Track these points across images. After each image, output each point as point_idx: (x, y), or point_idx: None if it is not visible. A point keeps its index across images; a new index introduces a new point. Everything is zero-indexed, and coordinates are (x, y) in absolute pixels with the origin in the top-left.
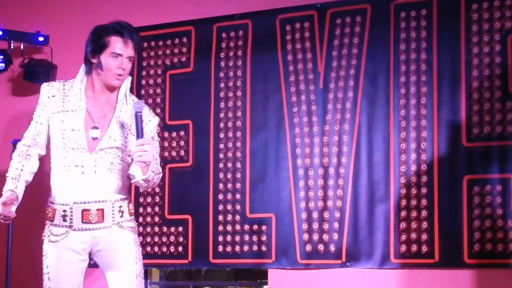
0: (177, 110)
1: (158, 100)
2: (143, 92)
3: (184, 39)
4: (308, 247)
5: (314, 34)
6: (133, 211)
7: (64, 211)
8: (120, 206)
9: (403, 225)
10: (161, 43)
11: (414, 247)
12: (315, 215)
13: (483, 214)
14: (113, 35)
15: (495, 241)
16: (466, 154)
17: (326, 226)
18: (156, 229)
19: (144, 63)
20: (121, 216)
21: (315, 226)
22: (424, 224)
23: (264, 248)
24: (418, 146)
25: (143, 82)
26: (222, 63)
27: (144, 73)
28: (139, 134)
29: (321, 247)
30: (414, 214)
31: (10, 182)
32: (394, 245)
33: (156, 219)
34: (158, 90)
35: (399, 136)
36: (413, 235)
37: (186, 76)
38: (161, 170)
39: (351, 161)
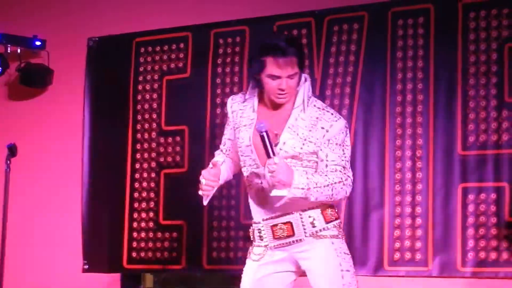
0: (173, 115)
1: (155, 105)
2: (139, 97)
3: (181, 45)
4: None
5: (312, 40)
6: (332, 217)
7: (259, 230)
8: (310, 216)
9: (397, 232)
10: (158, 48)
11: (408, 255)
12: None
13: (478, 222)
14: (269, 56)
15: (489, 249)
16: (461, 162)
17: None
18: (151, 234)
19: (141, 69)
20: (314, 226)
21: None
22: (418, 232)
23: None
24: (413, 154)
25: (140, 87)
26: (219, 69)
27: (141, 78)
28: (268, 154)
29: None
30: (408, 221)
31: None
32: (388, 253)
33: (151, 224)
34: (155, 96)
35: (395, 143)
36: (407, 243)
37: (183, 82)
38: (337, 180)
39: None
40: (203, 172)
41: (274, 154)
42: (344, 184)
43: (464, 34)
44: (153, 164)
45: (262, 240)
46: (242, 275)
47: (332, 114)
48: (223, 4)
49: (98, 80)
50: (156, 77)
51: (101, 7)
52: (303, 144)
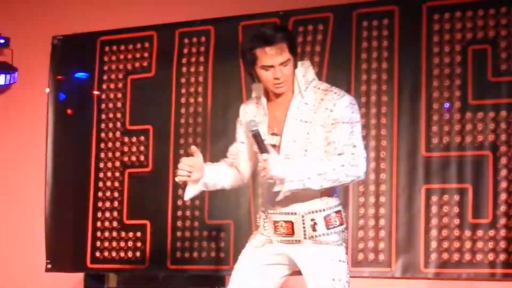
0: (138, 115)
1: (119, 104)
2: (103, 96)
3: (146, 44)
4: None
5: None
6: (336, 222)
7: (264, 219)
8: (312, 219)
9: (361, 233)
10: (123, 47)
11: (371, 256)
12: None
13: (441, 223)
14: (258, 47)
15: (452, 251)
16: (425, 164)
17: None
18: (114, 234)
19: (106, 68)
20: (314, 230)
21: None
22: (382, 233)
23: (222, 255)
24: (377, 155)
25: (104, 86)
26: (184, 69)
27: (105, 77)
28: (261, 151)
29: None
30: (372, 222)
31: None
32: (352, 254)
33: (115, 224)
34: (119, 95)
35: None
36: (371, 244)
37: (148, 81)
38: (342, 163)
39: None
40: (182, 158)
41: (264, 151)
42: (352, 165)
43: (428, 36)
44: (117, 164)
45: (265, 230)
46: (239, 257)
47: (335, 93)
48: (188, 4)
49: (62, 79)
50: (120, 76)
51: (65, 5)
52: (310, 128)
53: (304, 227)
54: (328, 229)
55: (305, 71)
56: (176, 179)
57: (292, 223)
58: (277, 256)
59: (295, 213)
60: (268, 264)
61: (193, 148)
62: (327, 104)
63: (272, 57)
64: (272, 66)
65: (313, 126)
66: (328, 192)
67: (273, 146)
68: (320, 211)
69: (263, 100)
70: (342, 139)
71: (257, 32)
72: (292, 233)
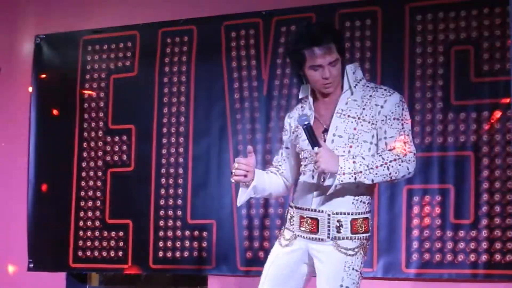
0: (120, 114)
1: (101, 104)
2: (86, 95)
3: (129, 44)
4: (249, 254)
5: (259, 41)
6: (361, 228)
7: (291, 214)
8: (339, 220)
9: None
10: (105, 47)
11: None
12: (256, 222)
13: (422, 224)
14: (306, 47)
15: (433, 251)
16: None
17: (267, 233)
18: (97, 233)
19: (88, 67)
20: (338, 232)
21: (256, 233)
22: None
23: (204, 254)
24: None
25: (87, 85)
26: (166, 68)
27: (88, 76)
28: (312, 145)
29: (261, 254)
30: None
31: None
32: None
33: (97, 223)
34: (102, 94)
35: None
36: None
37: (130, 81)
38: (392, 159)
39: None
40: (237, 158)
41: (316, 144)
42: (402, 161)
43: (411, 36)
44: (100, 163)
45: (291, 225)
46: (268, 257)
47: (385, 89)
48: (171, 3)
49: (45, 78)
50: (103, 75)
51: (48, 5)
52: (357, 124)
53: (329, 227)
54: (352, 233)
55: (355, 69)
56: (232, 179)
57: (317, 220)
58: (303, 253)
59: (323, 211)
60: (296, 261)
61: (250, 148)
62: (378, 100)
63: (321, 57)
64: (320, 66)
65: (361, 122)
66: (362, 198)
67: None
68: (348, 214)
69: (310, 99)
70: (393, 135)
71: (304, 32)
72: (316, 230)
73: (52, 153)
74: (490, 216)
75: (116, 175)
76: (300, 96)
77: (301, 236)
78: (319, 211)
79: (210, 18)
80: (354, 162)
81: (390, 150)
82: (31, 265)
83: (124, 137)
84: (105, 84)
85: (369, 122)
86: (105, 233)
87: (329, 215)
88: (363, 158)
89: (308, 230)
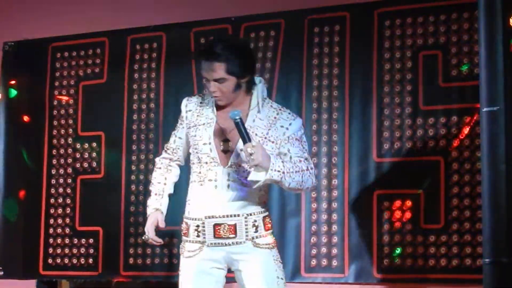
0: (90, 121)
1: (71, 111)
2: (55, 102)
3: (98, 50)
4: None
5: None
6: (270, 225)
7: (197, 226)
8: (255, 221)
9: (313, 239)
10: (74, 53)
11: (324, 261)
12: None
13: (393, 229)
14: (201, 58)
15: (404, 256)
16: (377, 169)
17: None
18: (67, 240)
19: (57, 74)
20: (256, 231)
21: None
22: (335, 239)
23: (175, 261)
24: (329, 161)
25: (56, 92)
26: (136, 75)
27: (57, 83)
28: (244, 141)
29: None
30: (324, 228)
31: (154, 199)
32: (305, 259)
33: (67, 230)
34: (71, 101)
35: (311, 150)
36: (324, 249)
37: (99, 88)
38: (304, 168)
39: None
40: (150, 232)
41: (248, 139)
42: (310, 173)
43: (379, 42)
44: (69, 170)
45: (198, 236)
46: (180, 273)
47: (289, 113)
48: (140, 10)
49: (14, 85)
50: (72, 82)
51: (17, 11)
52: (263, 143)
53: (247, 229)
54: (266, 231)
55: (262, 87)
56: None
57: (235, 225)
58: (216, 261)
59: (239, 215)
60: (209, 269)
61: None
62: (283, 122)
63: (207, 72)
64: (207, 80)
65: (266, 142)
66: (262, 198)
67: (225, 152)
68: (259, 213)
69: (213, 104)
70: (297, 152)
71: (205, 45)
72: (235, 234)
73: (21, 160)
74: (460, 220)
75: (86, 182)
76: (205, 97)
77: (214, 244)
78: (235, 216)
79: (179, 25)
80: (282, 162)
81: (298, 162)
82: (1, 273)
83: (94, 144)
84: (74, 91)
85: (273, 142)
86: (75, 240)
87: (245, 217)
88: (285, 162)
89: (226, 236)
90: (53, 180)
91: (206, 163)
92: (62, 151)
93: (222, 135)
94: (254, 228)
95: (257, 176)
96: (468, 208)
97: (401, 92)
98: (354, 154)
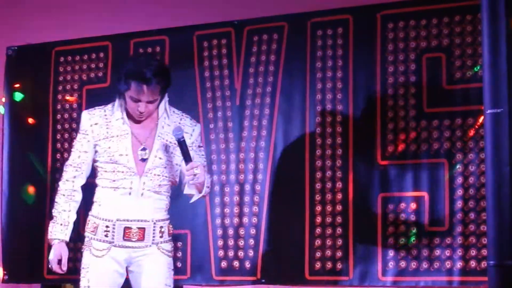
0: None
1: (75, 115)
2: (59, 106)
3: (101, 54)
4: (223, 264)
5: (231, 51)
6: (171, 231)
7: (107, 226)
8: (161, 227)
9: (318, 242)
10: (78, 57)
11: (329, 264)
12: (230, 231)
13: (398, 232)
14: (134, 80)
15: (409, 259)
16: (381, 172)
17: (241, 242)
18: (71, 244)
19: (61, 78)
20: (161, 237)
21: (231, 242)
22: (339, 242)
23: (179, 265)
24: (333, 164)
25: (60, 97)
26: None
27: (60, 88)
28: (187, 159)
29: (236, 263)
30: (329, 231)
31: (59, 230)
32: (309, 262)
33: (72, 233)
34: (75, 105)
35: (315, 153)
36: (328, 252)
37: (103, 91)
38: (207, 176)
39: (267, 178)
40: (53, 267)
41: (190, 159)
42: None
43: (382, 44)
44: None
45: (107, 236)
46: (86, 270)
47: (190, 119)
48: (143, 13)
49: (18, 90)
50: (76, 86)
51: (20, 16)
52: (173, 148)
53: (154, 234)
54: (169, 236)
55: (167, 96)
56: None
57: (144, 229)
58: (120, 262)
59: (148, 220)
60: (113, 270)
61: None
62: (187, 128)
63: (142, 94)
64: (140, 101)
65: (174, 146)
66: (166, 206)
67: (143, 160)
68: (164, 220)
69: (124, 115)
70: (200, 160)
71: (136, 68)
72: (142, 239)
73: (25, 164)
74: (465, 223)
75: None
76: (111, 108)
77: (122, 245)
78: (145, 221)
79: (182, 28)
80: (209, 177)
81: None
82: (6, 277)
83: None
84: (78, 95)
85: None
86: (79, 244)
87: (154, 223)
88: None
89: (135, 239)
90: (57, 184)
91: (122, 172)
92: (66, 155)
93: (138, 144)
94: (160, 233)
95: (192, 191)
96: (473, 210)
97: (405, 94)
98: (358, 157)
